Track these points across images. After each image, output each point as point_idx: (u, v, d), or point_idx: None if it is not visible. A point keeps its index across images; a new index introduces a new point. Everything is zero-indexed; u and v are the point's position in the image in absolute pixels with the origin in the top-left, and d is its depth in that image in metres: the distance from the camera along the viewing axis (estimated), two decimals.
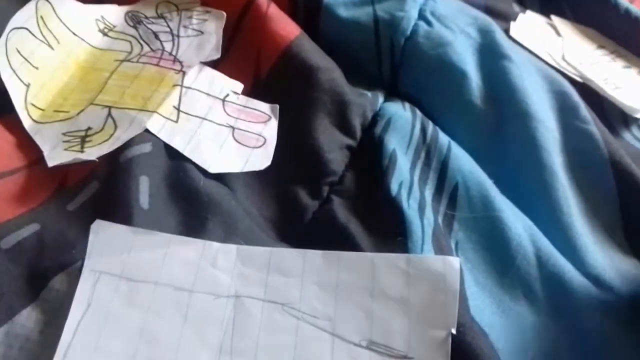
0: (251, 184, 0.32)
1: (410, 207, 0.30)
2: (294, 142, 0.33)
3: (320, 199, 0.32)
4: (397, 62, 0.38)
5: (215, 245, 0.27)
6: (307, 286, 0.26)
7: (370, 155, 0.33)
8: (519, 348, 0.28)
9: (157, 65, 0.33)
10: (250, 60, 0.36)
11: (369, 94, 0.37)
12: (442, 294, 0.26)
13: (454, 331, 0.25)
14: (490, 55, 0.39)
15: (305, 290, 0.26)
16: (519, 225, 0.31)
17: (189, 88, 0.33)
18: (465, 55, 0.38)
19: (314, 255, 0.27)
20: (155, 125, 0.30)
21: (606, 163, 0.35)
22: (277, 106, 0.34)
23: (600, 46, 0.46)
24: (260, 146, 0.32)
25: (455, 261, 0.27)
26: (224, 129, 0.32)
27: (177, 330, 0.24)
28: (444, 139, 0.34)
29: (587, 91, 0.41)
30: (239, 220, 0.29)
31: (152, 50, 0.34)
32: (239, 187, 0.31)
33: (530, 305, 0.29)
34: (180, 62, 0.33)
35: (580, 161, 0.36)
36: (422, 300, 0.26)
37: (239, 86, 0.34)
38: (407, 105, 0.36)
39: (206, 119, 0.32)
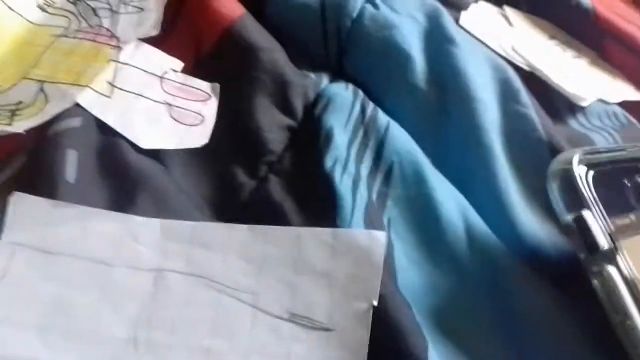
0: (188, 162, 0.31)
1: (342, 183, 0.30)
2: (234, 121, 0.32)
3: (257, 178, 0.31)
4: (343, 45, 0.38)
5: (139, 219, 0.26)
6: (231, 260, 0.26)
7: (309, 135, 0.32)
8: (447, 322, 0.27)
9: (93, 40, 0.32)
10: (193, 38, 0.35)
11: (313, 75, 0.36)
12: (366, 267, 0.26)
13: (375, 303, 0.25)
14: (436, 39, 0.38)
15: (228, 264, 0.26)
16: (451, 203, 0.31)
17: (125, 64, 0.32)
18: (411, 39, 0.37)
19: (240, 230, 0.27)
20: (87, 100, 0.30)
21: (544, 145, 0.35)
22: (218, 85, 0.33)
23: (552, 37, 0.46)
24: (198, 124, 0.31)
25: (381, 235, 0.27)
26: (160, 106, 0.31)
27: (94, 302, 0.23)
28: (383, 118, 0.34)
29: (535, 80, 0.41)
30: (171, 197, 0.28)
31: (90, 26, 0.33)
32: (175, 165, 0.31)
33: (460, 280, 0.28)
34: (118, 38, 0.33)
35: (518, 143, 0.36)
36: (346, 273, 0.26)
37: (178, 64, 0.33)
38: (350, 86, 0.36)
39: (141, 96, 0.31)
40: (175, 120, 0.31)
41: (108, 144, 0.29)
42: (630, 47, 0.45)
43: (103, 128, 0.29)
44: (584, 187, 0.27)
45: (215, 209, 0.30)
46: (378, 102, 0.36)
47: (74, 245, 0.25)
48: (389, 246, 0.29)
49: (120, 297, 0.24)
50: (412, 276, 0.28)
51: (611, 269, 0.26)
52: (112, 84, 0.31)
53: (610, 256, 0.26)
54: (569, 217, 0.27)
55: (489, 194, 0.33)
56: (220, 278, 0.25)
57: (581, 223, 0.26)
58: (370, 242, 0.26)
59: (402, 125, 0.35)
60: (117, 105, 0.30)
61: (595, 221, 0.26)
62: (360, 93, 0.35)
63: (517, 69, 0.40)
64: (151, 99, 0.31)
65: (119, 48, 0.32)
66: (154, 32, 0.33)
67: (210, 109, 0.32)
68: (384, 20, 0.38)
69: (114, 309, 0.24)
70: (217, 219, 0.29)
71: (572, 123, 0.40)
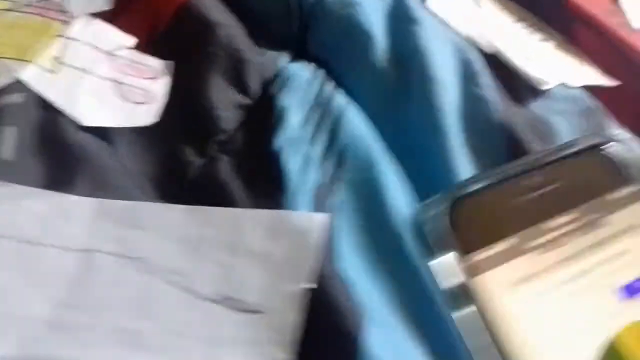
0: (136, 140, 0.30)
1: (291, 163, 0.29)
2: (186, 99, 0.32)
3: (206, 157, 0.30)
4: (305, 22, 0.37)
5: (72, 198, 0.26)
6: (165, 241, 0.25)
7: (263, 113, 0.32)
8: (389, 305, 0.27)
9: (42, 15, 0.31)
10: (148, 15, 0.34)
11: (273, 53, 0.35)
12: (304, 249, 0.25)
13: (310, 285, 0.24)
14: (399, 19, 0.37)
15: (162, 245, 0.25)
16: (398, 190, 0.30)
17: (74, 39, 0.31)
18: (374, 17, 0.36)
19: (176, 210, 0.26)
20: (31, 75, 0.29)
21: (501, 130, 0.35)
22: (171, 62, 0.32)
23: (520, 19, 0.45)
24: (147, 102, 0.30)
25: (323, 218, 0.26)
26: (108, 83, 0.30)
27: (17, 282, 0.23)
28: (340, 101, 0.33)
29: (498, 63, 0.40)
30: (111, 176, 0.28)
31: (40, 0, 0.32)
32: (121, 144, 0.30)
33: (401, 268, 0.28)
34: (68, 13, 0.32)
35: (476, 126, 0.35)
36: (284, 255, 0.25)
37: (130, 40, 0.32)
38: (311, 65, 0.35)
39: (88, 72, 0.30)
40: (123, 97, 0.30)
41: (50, 121, 0.28)
42: (599, 31, 0.45)
43: (47, 105, 0.29)
44: (435, 236, 0.27)
45: (160, 188, 0.29)
46: (340, 80, 0.35)
47: (1, 224, 0.24)
48: (334, 229, 0.28)
49: (45, 278, 0.23)
50: (356, 260, 0.28)
51: (463, 312, 0.26)
52: (58, 60, 0.30)
53: (462, 297, 0.26)
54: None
55: (444, 176, 0.32)
56: (151, 259, 0.25)
57: (433, 269, 0.27)
58: (310, 225, 0.26)
59: (362, 104, 0.34)
60: (61, 82, 0.29)
61: (447, 264, 0.27)
62: (320, 73, 0.35)
63: (481, 51, 0.40)
64: (98, 76, 0.30)
65: (68, 23, 0.31)
66: (106, 7, 0.32)
67: (160, 87, 0.31)
68: None
69: (37, 290, 0.23)
70: (161, 198, 0.29)
71: (534, 106, 0.39)
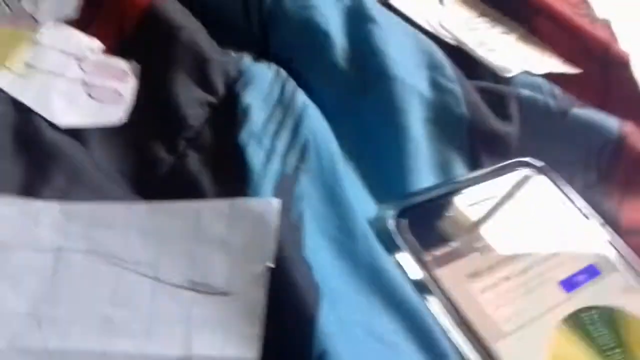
0: (108, 140, 0.31)
1: (255, 156, 0.30)
2: (153, 99, 0.33)
3: (176, 153, 0.31)
4: (265, 23, 0.38)
5: (39, 203, 0.26)
6: (130, 237, 0.26)
7: (228, 111, 0.33)
8: (356, 283, 0.28)
9: (13, 24, 0.33)
10: (114, 20, 0.35)
11: (234, 54, 0.36)
12: (260, 232, 0.26)
13: (271, 264, 0.25)
14: (357, 18, 0.38)
15: (128, 240, 0.26)
16: (356, 186, 0.32)
17: (44, 46, 0.32)
18: (331, 17, 0.37)
19: (139, 207, 0.27)
20: (4, 80, 0.30)
21: (464, 120, 0.36)
22: (137, 64, 0.33)
23: (482, 14, 0.46)
24: (116, 102, 0.31)
25: (275, 202, 0.27)
26: (78, 85, 0.31)
27: None
28: (300, 100, 0.34)
29: (461, 54, 0.41)
30: (86, 174, 0.29)
31: (11, 10, 0.34)
32: (94, 143, 0.31)
33: (362, 254, 0.29)
34: (37, 20, 0.33)
35: (441, 119, 0.36)
36: (242, 239, 0.26)
37: (98, 45, 0.33)
38: (273, 66, 0.36)
39: (59, 75, 0.31)
40: (93, 98, 0.31)
41: (25, 122, 0.29)
42: (559, 23, 0.46)
43: (21, 108, 0.30)
44: (396, 235, 0.30)
45: (134, 185, 0.30)
46: (300, 81, 0.36)
47: None
48: (299, 215, 0.29)
49: (20, 277, 0.24)
50: (320, 243, 0.29)
51: (429, 297, 0.29)
52: (30, 65, 0.31)
53: (426, 287, 0.29)
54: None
55: (401, 177, 0.33)
56: (120, 254, 0.26)
57: (398, 264, 0.29)
58: (264, 209, 0.27)
59: (323, 103, 0.35)
60: (34, 85, 0.30)
61: (407, 261, 0.30)
62: (282, 73, 0.36)
63: (444, 44, 0.41)
64: (69, 78, 0.31)
65: (38, 30, 0.32)
66: (74, 15, 0.34)
67: (128, 88, 0.32)
68: None
69: (13, 288, 0.24)
70: (136, 194, 0.29)
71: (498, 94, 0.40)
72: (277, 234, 0.26)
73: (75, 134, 0.30)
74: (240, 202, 0.27)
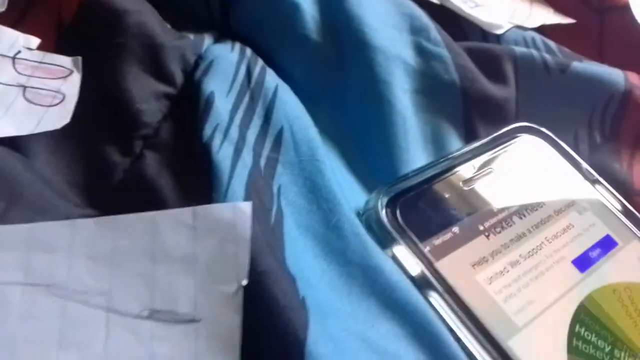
0: (53, 148, 0.26)
1: (221, 151, 0.25)
2: (101, 95, 0.28)
3: (132, 155, 0.27)
4: (226, 0, 0.33)
5: None
6: (76, 261, 0.21)
7: (189, 102, 0.28)
8: (342, 289, 0.24)
9: None
10: (52, 10, 0.30)
11: (191, 36, 0.31)
12: (232, 244, 0.22)
13: (244, 283, 0.21)
14: None
15: (74, 265, 0.21)
16: (340, 174, 0.28)
17: None
18: None
19: (85, 224, 0.22)
20: None
21: (455, 87, 0.31)
22: (80, 58, 0.28)
23: None
24: (58, 104, 0.27)
25: (245, 206, 0.23)
26: (13, 89, 0.26)
27: None
28: (271, 81, 0.29)
29: (445, 14, 0.36)
30: (27, 189, 0.24)
31: None
32: (38, 153, 0.26)
33: (349, 252, 0.25)
34: None
35: (430, 85, 0.32)
36: (210, 254, 0.22)
37: (34, 41, 0.28)
38: (237, 45, 0.31)
39: None
40: (30, 102, 0.26)
41: None
42: None
43: None
44: (389, 227, 0.26)
45: (86, 195, 0.26)
46: (269, 60, 0.31)
47: None
48: (277, 216, 0.25)
49: None
50: (304, 243, 0.25)
51: (431, 294, 0.25)
52: None
53: (427, 282, 0.25)
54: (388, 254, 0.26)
55: (387, 151, 0.29)
56: (64, 283, 0.21)
57: (395, 259, 0.26)
58: (234, 216, 0.22)
59: (296, 83, 0.30)
60: None
61: (404, 254, 0.26)
62: (248, 53, 0.31)
63: (425, 4, 0.36)
64: (2, 83, 0.26)
65: None
66: (1, 9, 0.29)
67: (71, 86, 0.27)
68: None
69: None
70: (89, 206, 0.25)
71: (489, 53, 0.36)
72: (249, 244, 0.22)
73: (15, 146, 0.25)
74: (204, 209, 0.23)
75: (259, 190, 0.25)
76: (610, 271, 0.28)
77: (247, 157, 0.26)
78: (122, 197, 0.25)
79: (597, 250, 0.28)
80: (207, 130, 0.26)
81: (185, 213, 0.22)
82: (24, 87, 0.27)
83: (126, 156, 0.26)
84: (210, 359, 0.20)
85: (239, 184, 0.25)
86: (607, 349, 0.25)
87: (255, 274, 0.22)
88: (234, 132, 0.27)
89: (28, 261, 0.21)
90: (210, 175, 0.25)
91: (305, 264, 0.24)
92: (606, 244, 0.29)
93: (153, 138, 0.27)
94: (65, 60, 0.28)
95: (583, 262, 0.28)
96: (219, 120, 0.27)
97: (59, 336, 0.20)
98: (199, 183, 0.25)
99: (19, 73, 0.27)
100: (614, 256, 0.28)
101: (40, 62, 0.28)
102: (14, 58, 0.28)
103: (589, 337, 0.25)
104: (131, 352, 0.20)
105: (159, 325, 0.20)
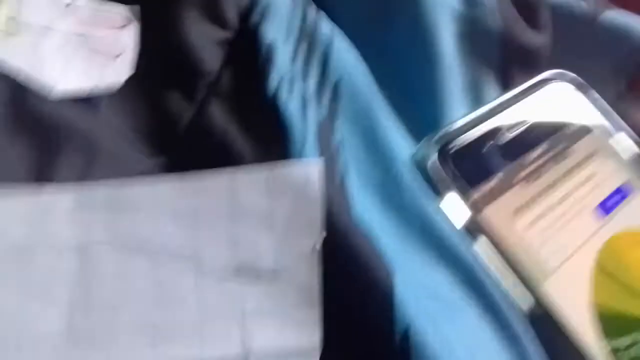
0: (118, 98, 0.27)
1: (291, 105, 0.26)
2: (162, 44, 0.27)
3: (196, 102, 0.27)
4: None
5: (49, 189, 0.22)
6: (160, 219, 0.22)
7: (247, 49, 0.28)
8: (408, 239, 0.25)
9: None
10: None
11: None
12: (304, 202, 0.23)
13: (321, 238, 0.22)
14: None
15: (158, 224, 0.22)
16: (393, 126, 0.28)
17: None
18: None
19: (165, 182, 0.23)
20: None
21: (497, 33, 0.32)
22: (138, 6, 0.28)
23: None
24: (120, 54, 0.27)
25: (317, 163, 0.23)
26: (74, 39, 0.26)
27: (17, 298, 0.20)
28: (326, 28, 0.29)
29: None
30: (100, 140, 0.25)
31: None
32: (103, 104, 0.26)
33: (408, 204, 0.26)
34: None
35: (474, 32, 0.32)
36: (286, 212, 0.23)
37: None
38: None
39: (50, 29, 0.26)
40: (94, 52, 0.26)
41: (21, 94, 0.25)
42: None
43: (13, 78, 0.25)
44: (442, 175, 0.27)
45: (153, 144, 0.26)
46: (320, 2, 0.31)
47: None
48: (342, 171, 0.25)
49: (46, 286, 0.20)
50: (365, 197, 0.26)
51: (479, 242, 0.26)
52: (14, 20, 0.26)
53: (475, 230, 0.26)
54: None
55: (435, 103, 0.30)
56: (150, 242, 0.22)
57: (445, 207, 0.27)
58: (305, 174, 0.23)
59: (343, 27, 0.30)
60: (23, 44, 0.25)
61: (455, 202, 0.27)
62: None
63: None
64: (62, 32, 0.26)
65: None
66: None
67: (131, 35, 0.27)
68: None
69: (41, 298, 0.20)
70: (159, 153, 0.26)
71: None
72: (321, 202, 0.23)
73: (81, 98, 0.26)
74: (277, 169, 0.23)
75: (327, 144, 0.26)
76: (631, 215, 0.30)
77: (312, 109, 0.26)
78: (190, 145, 0.26)
79: (619, 196, 0.30)
80: (273, 82, 0.26)
81: (261, 172, 0.23)
82: (85, 37, 0.27)
83: (190, 103, 0.27)
84: (293, 312, 0.21)
85: (311, 138, 0.25)
86: (628, 286, 0.28)
87: (329, 230, 0.23)
88: (298, 84, 0.27)
89: (112, 221, 0.22)
90: (284, 130, 0.25)
91: (371, 219, 0.25)
92: (626, 190, 0.31)
93: (215, 85, 0.27)
94: (123, 9, 0.28)
95: (604, 208, 0.30)
96: (282, 71, 0.27)
97: (153, 296, 0.21)
98: (271, 137, 0.25)
99: (78, 23, 0.27)
100: (633, 201, 0.31)
101: (98, 11, 0.27)
102: (71, 6, 0.27)
103: (614, 274, 0.28)
104: (223, 307, 0.21)
105: (245, 283, 0.22)
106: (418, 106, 0.30)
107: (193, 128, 0.26)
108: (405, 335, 0.21)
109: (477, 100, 0.32)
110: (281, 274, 0.22)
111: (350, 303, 0.22)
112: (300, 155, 0.25)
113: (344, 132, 0.27)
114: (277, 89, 0.26)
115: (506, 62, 0.32)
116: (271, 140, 0.25)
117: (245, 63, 0.28)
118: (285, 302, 0.22)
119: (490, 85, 0.32)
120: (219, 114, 0.26)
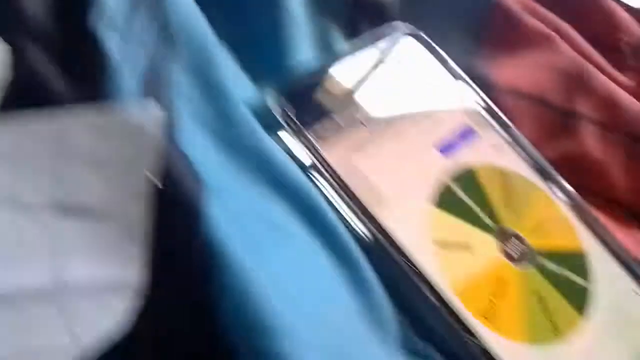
0: None
1: (112, 44, 0.24)
2: None
3: (16, 51, 0.25)
4: None
5: None
6: None
7: None
8: (242, 172, 0.25)
9: None
10: None
11: None
12: (140, 143, 0.22)
13: (156, 180, 0.22)
14: None
15: None
16: (234, 72, 0.28)
17: None
18: None
19: None
20: None
21: None
22: None
23: None
24: None
25: (152, 105, 0.23)
26: None
27: None
28: None
29: None
30: None
31: None
32: None
33: (245, 142, 0.26)
34: None
35: None
36: (119, 154, 0.22)
37: None
38: None
39: None
40: None
41: None
42: None
43: None
44: (277, 114, 0.28)
45: None
46: None
47: None
48: (171, 107, 0.25)
49: None
50: (199, 135, 0.25)
51: (316, 175, 0.27)
52: None
53: (311, 165, 0.28)
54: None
55: (281, 57, 0.30)
56: None
57: (282, 145, 0.27)
58: (143, 116, 0.22)
59: None
60: None
61: (291, 140, 0.28)
62: None
63: None
64: None
65: None
66: None
67: None
68: None
69: None
70: None
71: None
72: (158, 143, 0.22)
73: None
74: (111, 111, 0.22)
75: (153, 84, 0.25)
76: (471, 156, 0.31)
77: (138, 45, 0.25)
78: (13, 94, 0.24)
79: (459, 138, 0.32)
80: (95, 18, 0.25)
81: (92, 113, 0.22)
82: None
83: (12, 53, 0.25)
84: (116, 249, 0.21)
85: (132, 78, 0.24)
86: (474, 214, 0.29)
87: (162, 170, 0.22)
88: (122, 21, 0.26)
89: None
90: (101, 66, 0.24)
91: (200, 153, 0.24)
92: (467, 134, 0.32)
93: (36, 31, 0.26)
94: None
95: (446, 148, 0.31)
96: (106, 9, 0.25)
97: None
98: (89, 72, 0.24)
99: None
100: (473, 144, 0.32)
101: None
102: None
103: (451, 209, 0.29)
104: (38, 237, 0.20)
105: (65, 214, 0.21)
106: (263, 54, 0.30)
107: (15, 77, 0.25)
108: (209, 248, 0.21)
109: (323, 50, 0.32)
110: (108, 212, 0.21)
111: (162, 218, 0.22)
112: (123, 93, 0.24)
113: (175, 73, 0.26)
114: (98, 27, 0.25)
115: (354, 14, 0.33)
116: (90, 78, 0.24)
117: (68, 5, 0.26)
118: (109, 240, 0.21)
119: (338, 37, 0.33)
120: (38, 59, 0.25)
